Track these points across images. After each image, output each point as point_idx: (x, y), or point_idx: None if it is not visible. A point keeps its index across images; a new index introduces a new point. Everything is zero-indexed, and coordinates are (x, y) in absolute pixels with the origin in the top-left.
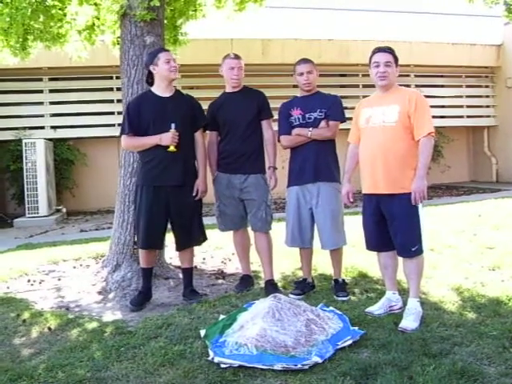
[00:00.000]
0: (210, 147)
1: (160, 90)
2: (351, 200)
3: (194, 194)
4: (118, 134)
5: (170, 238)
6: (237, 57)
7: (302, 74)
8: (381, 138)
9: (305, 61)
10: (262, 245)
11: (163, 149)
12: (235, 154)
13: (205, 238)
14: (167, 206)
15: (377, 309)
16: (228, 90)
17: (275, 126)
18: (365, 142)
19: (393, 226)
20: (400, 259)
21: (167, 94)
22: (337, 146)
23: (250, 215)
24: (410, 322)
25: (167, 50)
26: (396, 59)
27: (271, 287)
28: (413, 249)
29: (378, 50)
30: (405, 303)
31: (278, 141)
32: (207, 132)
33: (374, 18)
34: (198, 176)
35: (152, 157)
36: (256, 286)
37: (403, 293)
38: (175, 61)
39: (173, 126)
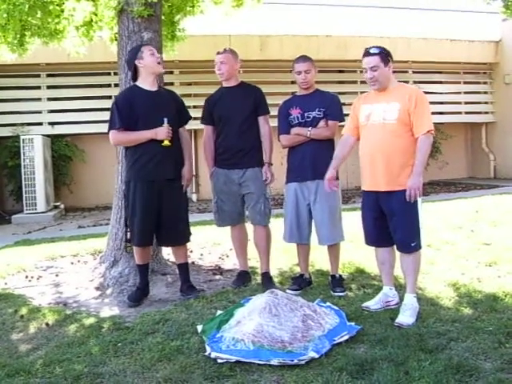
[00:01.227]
0: (206, 141)
1: (147, 84)
2: (335, 186)
3: (181, 184)
4: None
5: None
6: (222, 51)
7: (299, 72)
8: (381, 135)
9: (303, 59)
10: (260, 238)
11: (156, 143)
12: (232, 149)
13: (189, 234)
14: (160, 201)
15: (373, 304)
16: (224, 84)
17: (272, 122)
18: (365, 140)
19: (392, 221)
20: (397, 255)
21: (154, 88)
22: (335, 143)
23: (249, 208)
24: (406, 317)
25: (148, 44)
26: (385, 58)
27: (266, 279)
28: (412, 244)
29: (364, 53)
30: (401, 299)
31: (278, 140)
32: (203, 126)
33: (371, 13)
34: (185, 166)
35: (144, 152)
36: (253, 281)
37: (400, 288)
38: (159, 53)
39: (165, 120)
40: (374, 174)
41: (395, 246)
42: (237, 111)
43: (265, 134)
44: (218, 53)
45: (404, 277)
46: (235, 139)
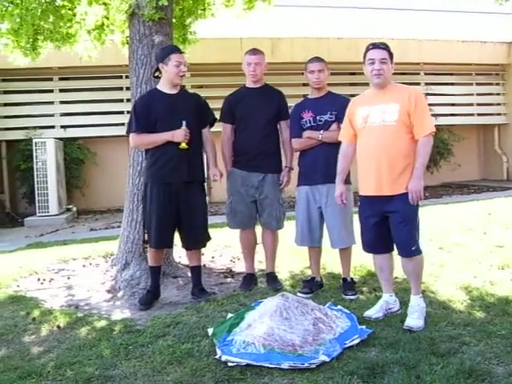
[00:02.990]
0: (225, 141)
1: (167, 87)
2: (345, 201)
3: (213, 179)
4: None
5: (178, 237)
6: (255, 52)
7: (313, 72)
8: (381, 137)
9: (317, 59)
10: (269, 240)
11: (173, 146)
12: (254, 151)
13: (209, 238)
14: (177, 204)
15: (375, 312)
16: (248, 85)
17: None
18: (364, 142)
19: (395, 225)
20: (397, 260)
21: (174, 91)
22: None
23: (264, 214)
24: (414, 320)
25: (181, 52)
26: (391, 55)
27: (271, 278)
28: (413, 248)
29: (373, 46)
30: (403, 304)
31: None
32: (222, 124)
33: (383, 15)
34: (210, 166)
35: (161, 154)
36: (264, 284)
37: (403, 292)
38: (186, 65)
39: (184, 123)
40: (376, 177)
41: (394, 252)
42: (261, 113)
43: (286, 139)
44: (251, 53)
45: (408, 280)
46: (257, 142)
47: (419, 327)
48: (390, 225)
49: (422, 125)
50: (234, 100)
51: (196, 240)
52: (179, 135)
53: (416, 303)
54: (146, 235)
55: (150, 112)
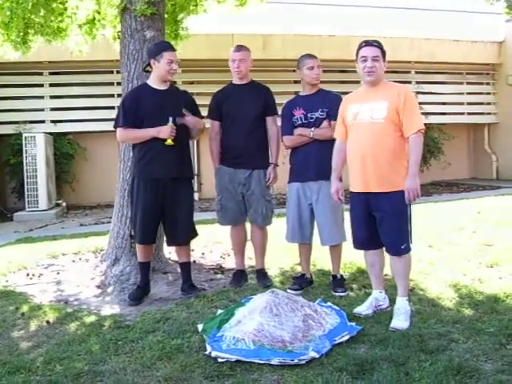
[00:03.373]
0: (213, 137)
1: (156, 83)
2: (341, 198)
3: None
4: None
5: None
6: (239, 49)
7: (312, 67)
8: (369, 134)
9: (313, 55)
10: (258, 237)
11: (160, 142)
12: (240, 148)
13: (196, 234)
14: (163, 199)
15: (365, 309)
16: (235, 81)
17: (279, 123)
18: (353, 139)
19: (383, 223)
20: (387, 258)
21: (163, 87)
22: None
23: (252, 210)
24: (401, 321)
25: (173, 50)
26: (384, 53)
27: (261, 275)
28: (402, 247)
29: (366, 43)
30: (393, 300)
31: (281, 141)
32: (210, 121)
33: (374, 13)
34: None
35: (148, 150)
36: (254, 281)
37: (391, 292)
38: (177, 63)
39: (170, 119)
40: (364, 174)
41: (384, 248)
42: (247, 110)
43: (273, 135)
44: (236, 50)
45: (395, 280)
46: (244, 138)
47: (404, 329)
48: (377, 223)
49: (410, 122)
50: (221, 97)
51: (179, 236)
52: (165, 131)
53: (403, 305)
54: (132, 230)
55: (139, 107)
